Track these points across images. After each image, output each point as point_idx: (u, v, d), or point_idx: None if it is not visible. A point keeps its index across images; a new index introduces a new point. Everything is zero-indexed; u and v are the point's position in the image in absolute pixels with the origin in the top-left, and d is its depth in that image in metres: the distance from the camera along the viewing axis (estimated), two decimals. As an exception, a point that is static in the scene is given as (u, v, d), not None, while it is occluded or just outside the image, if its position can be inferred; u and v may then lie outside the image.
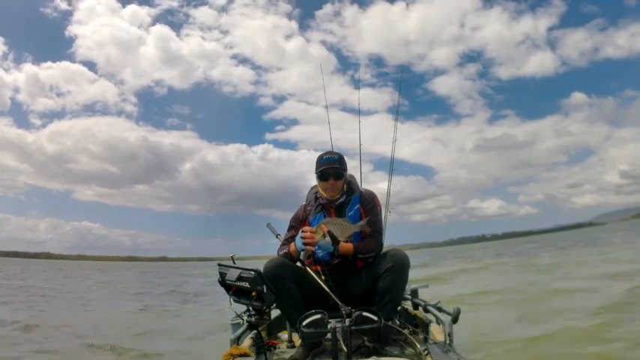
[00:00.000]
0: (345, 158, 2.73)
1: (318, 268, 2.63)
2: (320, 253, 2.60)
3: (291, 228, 2.80)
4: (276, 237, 3.02)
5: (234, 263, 2.45)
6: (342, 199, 2.69)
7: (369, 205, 2.71)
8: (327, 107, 3.97)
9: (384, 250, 2.67)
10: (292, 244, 2.58)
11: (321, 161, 2.66)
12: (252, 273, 2.20)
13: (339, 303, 2.31)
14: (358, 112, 4.01)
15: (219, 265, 2.34)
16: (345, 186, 2.69)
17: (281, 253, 2.67)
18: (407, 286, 3.28)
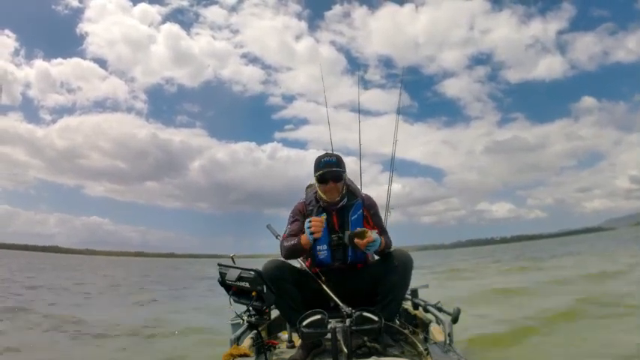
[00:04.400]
0: (352, 159, 2.74)
1: (317, 270, 2.64)
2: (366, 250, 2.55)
3: (295, 221, 2.73)
4: (276, 238, 3.03)
5: (235, 263, 2.46)
6: (343, 202, 2.67)
7: (372, 209, 2.74)
8: (326, 107, 3.99)
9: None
10: (304, 236, 2.49)
11: (319, 165, 2.64)
12: (252, 273, 2.21)
13: (340, 303, 2.32)
14: (358, 112, 4.02)
15: (219, 265, 2.36)
16: (344, 188, 2.67)
17: (287, 244, 2.58)
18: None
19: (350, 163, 2.77)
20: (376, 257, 2.73)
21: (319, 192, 2.69)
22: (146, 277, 25.38)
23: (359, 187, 2.97)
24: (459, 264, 26.17)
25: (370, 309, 2.21)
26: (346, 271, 2.63)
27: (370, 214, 2.72)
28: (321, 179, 2.62)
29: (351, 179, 2.81)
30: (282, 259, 2.63)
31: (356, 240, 2.43)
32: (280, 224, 3.15)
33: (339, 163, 2.66)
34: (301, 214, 2.73)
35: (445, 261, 33.68)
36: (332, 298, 2.41)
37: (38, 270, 27.36)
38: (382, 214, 2.94)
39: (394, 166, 4.10)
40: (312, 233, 2.40)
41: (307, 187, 2.88)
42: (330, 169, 2.60)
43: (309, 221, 2.42)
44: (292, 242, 2.54)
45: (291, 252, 2.58)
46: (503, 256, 32.08)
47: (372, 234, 2.41)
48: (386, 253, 2.62)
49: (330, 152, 2.79)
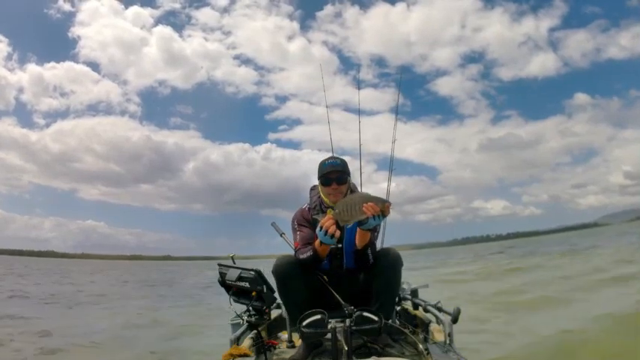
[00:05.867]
0: (348, 158, 2.71)
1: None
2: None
3: (303, 226, 2.66)
4: (281, 236, 3.01)
5: (234, 263, 2.46)
6: None
7: None
8: (327, 108, 3.96)
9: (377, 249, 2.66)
10: (318, 244, 2.37)
11: (323, 166, 2.62)
12: (252, 273, 2.22)
13: (343, 303, 2.31)
14: (358, 112, 4.00)
15: (219, 265, 2.36)
16: (348, 192, 2.62)
17: (304, 256, 2.49)
18: (407, 286, 3.29)
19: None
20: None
21: (322, 195, 2.66)
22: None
23: (359, 187, 2.95)
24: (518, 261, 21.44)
25: (370, 309, 2.22)
26: (342, 275, 2.62)
27: None
28: (325, 181, 2.59)
29: (355, 184, 2.79)
30: (292, 255, 2.60)
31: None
32: (279, 224, 3.14)
33: (343, 166, 2.65)
34: (306, 220, 2.67)
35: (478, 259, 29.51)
36: (335, 297, 2.41)
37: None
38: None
39: (389, 164, 4.03)
40: (332, 236, 2.27)
41: (311, 189, 2.82)
42: (334, 170, 2.58)
43: (321, 228, 2.29)
44: (309, 254, 2.46)
45: (312, 262, 2.49)
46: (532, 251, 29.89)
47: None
48: (372, 254, 2.55)
49: (335, 155, 2.77)
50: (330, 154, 2.87)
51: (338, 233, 2.29)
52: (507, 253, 33.06)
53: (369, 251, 2.51)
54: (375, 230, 2.63)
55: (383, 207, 2.23)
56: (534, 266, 16.90)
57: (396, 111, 4.09)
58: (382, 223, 2.92)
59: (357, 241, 2.47)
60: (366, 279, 2.53)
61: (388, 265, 2.47)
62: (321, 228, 2.28)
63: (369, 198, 2.25)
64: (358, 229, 2.40)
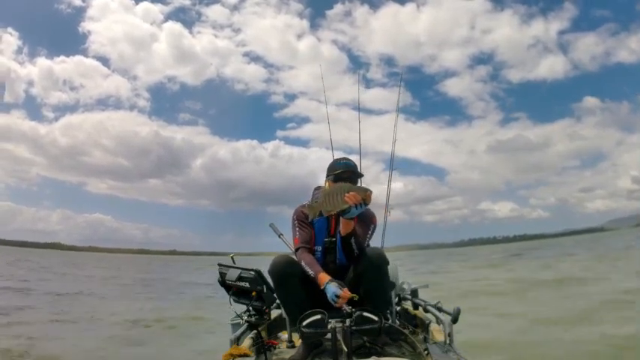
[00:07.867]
0: (352, 157, 2.72)
1: None
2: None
3: (303, 226, 2.67)
4: (279, 237, 3.01)
5: (234, 263, 2.47)
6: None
7: (365, 220, 2.66)
8: (326, 107, 3.98)
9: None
10: (322, 277, 2.40)
11: (337, 164, 2.64)
12: (252, 273, 2.23)
13: None
14: (358, 111, 4.00)
15: (219, 265, 2.37)
16: None
17: (308, 269, 2.48)
18: (407, 286, 3.29)
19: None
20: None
21: None
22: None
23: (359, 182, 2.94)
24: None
25: (370, 309, 2.21)
26: (336, 272, 2.60)
27: (362, 221, 2.63)
28: (337, 180, 2.56)
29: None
30: (289, 254, 2.61)
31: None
32: (282, 223, 3.15)
33: (356, 167, 2.69)
34: (307, 218, 2.66)
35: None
36: None
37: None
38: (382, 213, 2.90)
39: (396, 164, 4.00)
40: (335, 302, 2.28)
41: (315, 189, 2.81)
42: (348, 170, 2.60)
43: (337, 297, 2.27)
44: (311, 273, 2.46)
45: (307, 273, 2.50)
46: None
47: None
48: (355, 244, 2.52)
49: (347, 157, 2.78)
50: (339, 152, 2.87)
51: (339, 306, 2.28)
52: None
53: (353, 240, 2.49)
54: (368, 229, 2.66)
55: (364, 196, 2.31)
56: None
57: (397, 111, 4.09)
58: (382, 224, 2.92)
59: (341, 230, 2.49)
60: (355, 279, 2.52)
61: (372, 264, 2.45)
62: (337, 296, 2.27)
63: (350, 188, 2.34)
64: (342, 218, 2.43)
